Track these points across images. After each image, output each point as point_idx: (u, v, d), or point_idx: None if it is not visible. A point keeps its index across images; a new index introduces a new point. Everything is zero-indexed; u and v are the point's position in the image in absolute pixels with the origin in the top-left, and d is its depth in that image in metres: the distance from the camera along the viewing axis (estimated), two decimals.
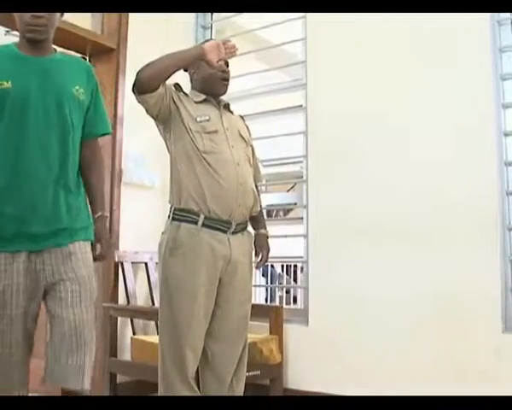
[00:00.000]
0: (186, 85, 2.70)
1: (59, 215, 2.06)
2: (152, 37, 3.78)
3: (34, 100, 2.02)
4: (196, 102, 2.61)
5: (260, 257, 2.74)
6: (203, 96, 2.63)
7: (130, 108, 3.67)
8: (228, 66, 2.70)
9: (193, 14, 4.39)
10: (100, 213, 2.25)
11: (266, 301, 6.83)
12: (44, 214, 2.03)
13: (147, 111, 2.49)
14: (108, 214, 2.38)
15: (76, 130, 2.14)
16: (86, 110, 2.19)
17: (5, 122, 1.99)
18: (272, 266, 7.52)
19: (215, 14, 4.44)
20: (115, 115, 3.77)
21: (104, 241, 2.24)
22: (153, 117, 2.55)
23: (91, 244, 2.19)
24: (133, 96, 2.46)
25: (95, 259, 2.21)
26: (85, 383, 2.02)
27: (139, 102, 2.45)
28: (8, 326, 1.97)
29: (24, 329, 2.01)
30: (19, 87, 2.00)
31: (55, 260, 2.04)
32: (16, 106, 2.00)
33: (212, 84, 2.65)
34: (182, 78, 2.71)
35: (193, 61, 2.58)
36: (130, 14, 3.84)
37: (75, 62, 2.27)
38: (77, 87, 2.13)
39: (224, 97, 2.72)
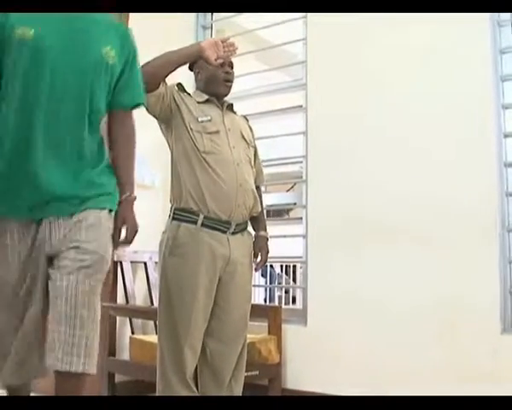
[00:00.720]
0: (190, 86, 2.70)
1: (64, 183, 1.90)
2: (152, 37, 3.77)
3: (53, 61, 1.84)
4: (199, 102, 2.62)
5: (259, 259, 2.74)
6: (206, 97, 2.64)
7: None
8: (232, 67, 2.70)
9: (193, 14, 4.39)
10: (126, 194, 2.09)
11: (265, 301, 6.85)
12: (46, 182, 1.87)
13: (147, 110, 2.50)
14: (136, 196, 2.13)
15: (98, 101, 1.96)
16: (117, 78, 2.00)
17: (19, 81, 1.83)
18: (272, 266, 7.53)
19: (215, 14, 4.44)
20: None
21: (129, 225, 2.07)
22: (154, 116, 2.56)
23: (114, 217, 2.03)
24: None
25: (117, 244, 2.06)
26: (79, 364, 1.80)
27: None
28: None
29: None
30: (39, 40, 1.82)
31: (63, 229, 1.89)
32: (33, 63, 1.82)
33: (215, 84, 2.65)
34: (185, 78, 2.72)
35: (191, 59, 2.58)
36: (130, 13, 3.84)
37: (111, 22, 2.04)
38: (108, 48, 1.94)
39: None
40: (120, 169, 2.09)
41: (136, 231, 2.10)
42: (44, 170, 1.87)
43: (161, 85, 2.47)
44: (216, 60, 2.52)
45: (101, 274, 1.93)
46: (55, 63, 1.85)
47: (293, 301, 7.16)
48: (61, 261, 1.87)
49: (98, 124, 2.01)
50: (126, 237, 2.07)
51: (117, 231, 2.04)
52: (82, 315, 1.83)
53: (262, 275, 7.46)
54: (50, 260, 1.91)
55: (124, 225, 2.06)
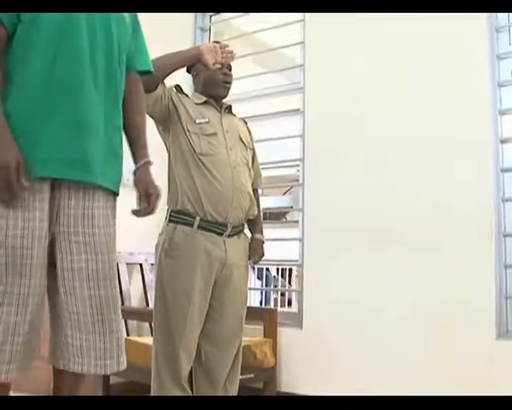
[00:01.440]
0: (187, 88, 2.70)
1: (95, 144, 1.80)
2: (150, 38, 3.77)
3: (86, 17, 1.78)
4: (197, 104, 2.62)
5: (252, 260, 2.73)
6: (204, 98, 2.64)
7: None
8: (231, 70, 2.71)
9: (191, 16, 4.40)
10: (146, 160, 1.99)
11: (261, 303, 6.83)
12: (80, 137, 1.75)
13: (145, 110, 2.49)
14: (153, 161, 2.02)
15: (123, 54, 1.91)
16: (130, 39, 1.97)
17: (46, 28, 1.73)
18: (268, 269, 7.52)
19: (213, 16, 4.45)
20: None
21: (154, 191, 1.97)
22: (152, 117, 2.55)
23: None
24: None
25: (138, 213, 1.97)
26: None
27: None
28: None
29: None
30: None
31: (75, 200, 1.79)
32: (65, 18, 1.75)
33: (214, 86, 2.65)
34: (184, 80, 2.71)
35: (190, 62, 2.59)
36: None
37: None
38: (121, 14, 1.91)
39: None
40: (137, 130, 2.01)
41: (159, 198, 2.01)
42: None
43: (160, 87, 2.47)
44: (214, 64, 2.52)
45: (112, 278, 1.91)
46: (87, 18, 1.80)
47: (289, 303, 7.15)
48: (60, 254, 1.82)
49: (123, 82, 1.95)
50: (149, 204, 1.98)
51: (143, 198, 1.97)
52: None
53: (258, 278, 7.45)
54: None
55: (145, 193, 1.97)
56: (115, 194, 1.95)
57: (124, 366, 1.90)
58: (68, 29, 1.76)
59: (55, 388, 1.87)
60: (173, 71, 2.49)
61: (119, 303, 1.91)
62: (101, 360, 1.81)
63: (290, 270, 7.69)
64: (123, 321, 1.92)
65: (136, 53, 2.02)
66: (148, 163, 2.00)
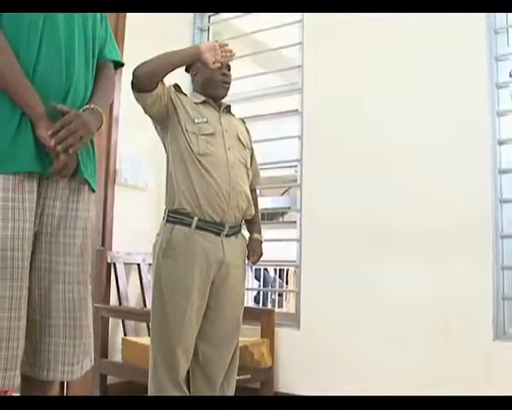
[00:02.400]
0: (186, 87, 2.70)
1: None
2: (149, 38, 3.78)
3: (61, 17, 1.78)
4: (196, 104, 2.61)
5: (250, 260, 2.73)
6: (203, 98, 2.64)
7: (126, 109, 3.66)
8: (230, 69, 2.71)
9: (190, 16, 4.40)
10: (91, 106, 1.83)
11: (258, 302, 6.83)
12: None
13: (144, 110, 2.49)
14: (101, 111, 1.86)
15: (96, 43, 1.91)
16: (99, 28, 1.95)
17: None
18: (266, 269, 7.52)
19: (212, 17, 4.45)
20: (111, 116, 3.75)
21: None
22: (150, 116, 2.55)
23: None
24: (129, 98, 2.46)
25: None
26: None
27: (136, 99, 2.45)
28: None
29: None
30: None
31: (60, 201, 1.78)
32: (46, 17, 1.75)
33: (213, 86, 2.65)
34: (182, 79, 2.71)
35: (189, 60, 2.58)
36: (127, 14, 3.84)
37: None
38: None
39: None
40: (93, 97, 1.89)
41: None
42: None
43: (159, 86, 2.47)
44: (213, 63, 2.52)
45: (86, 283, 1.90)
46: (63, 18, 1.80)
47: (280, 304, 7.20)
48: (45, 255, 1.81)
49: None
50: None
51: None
52: None
53: (256, 278, 7.45)
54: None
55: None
56: (94, 191, 1.92)
57: (87, 368, 1.85)
58: (50, 28, 1.75)
59: (22, 393, 1.82)
60: (172, 69, 2.48)
61: (91, 307, 1.88)
62: (68, 366, 1.77)
63: (287, 271, 7.69)
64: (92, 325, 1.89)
65: (109, 42, 2.01)
66: (92, 109, 1.83)
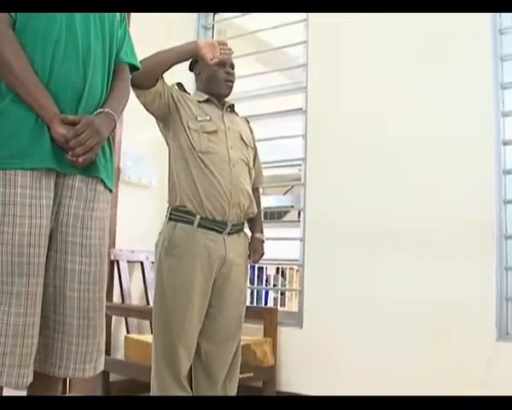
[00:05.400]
0: (190, 87, 2.70)
1: None
2: (153, 37, 3.78)
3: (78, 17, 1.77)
4: (199, 102, 2.62)
5: (251, 259, 2.73)
6: (206, 96, 2.65)
7: (129, 107, 3.61)
8: (233, 68, 2.71)
9: (195, 15, 4.39)
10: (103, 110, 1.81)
11: (256, 301, 6.81)
12: None
13: (145, 107, 2.50)
14: (115, 114, 1.85)
15: (114, 44, 1.90)
16: (117, 31, 1.94)
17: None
18: (261, 268, 7.51)
19: (217, 15, 4.44)
20: None
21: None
22: (152, 114, 2.56)
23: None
24: (133, 95, 2.46)
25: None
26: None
27: (136, 96, 2.45)
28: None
29: None
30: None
31: (76, 201, 1.76)
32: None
33: (216, 84, 2.66)
34: (186, 78, 2.71)
35: (187, 56, 2.58)
36: (131, 13, 3.84)
37: None
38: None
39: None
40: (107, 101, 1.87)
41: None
42: None
43: (159, 83, 2.47)
44: (211, 59, 2.51)
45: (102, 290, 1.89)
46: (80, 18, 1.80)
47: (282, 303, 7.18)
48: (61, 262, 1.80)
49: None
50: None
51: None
52: None
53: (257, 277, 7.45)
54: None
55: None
56: (111, 191, 1.92)
57: (100, 368, 1.85)
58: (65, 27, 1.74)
59: (28, 388, 1.79)
60: (172, 66, 2.48)
61: (104, 306, 1.87)
62: (80, 364, 1.77)
63: (291, 269, 7.68)
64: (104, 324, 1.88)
65: (126, 46, 2.00)
66: (110, 113, 1.82)
